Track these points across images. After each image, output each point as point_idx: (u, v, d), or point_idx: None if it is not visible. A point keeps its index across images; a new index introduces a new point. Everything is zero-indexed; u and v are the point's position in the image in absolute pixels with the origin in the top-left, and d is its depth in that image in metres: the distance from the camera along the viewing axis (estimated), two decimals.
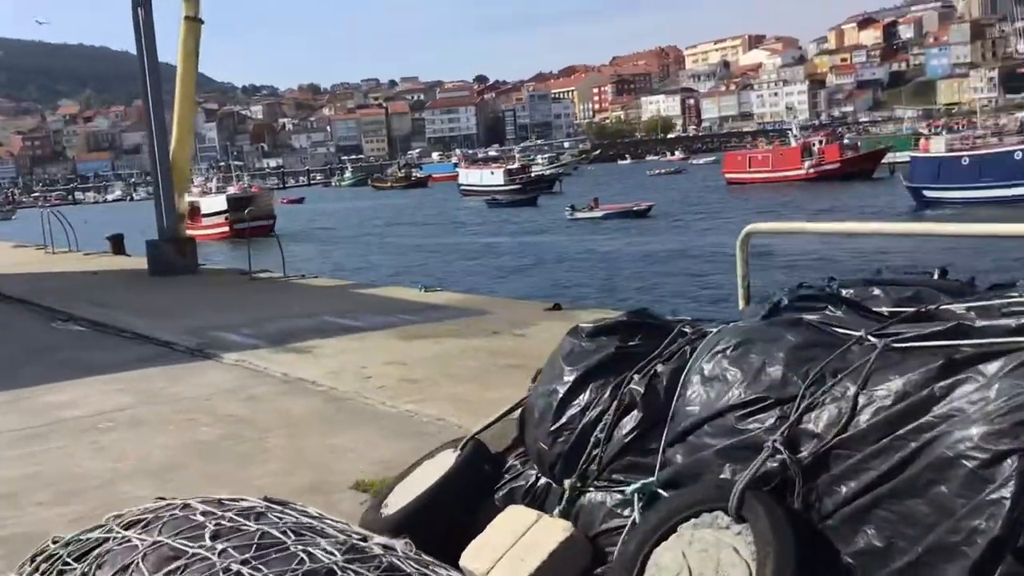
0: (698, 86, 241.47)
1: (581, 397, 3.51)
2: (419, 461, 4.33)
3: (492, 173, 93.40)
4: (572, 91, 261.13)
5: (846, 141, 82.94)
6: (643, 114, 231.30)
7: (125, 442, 6.25)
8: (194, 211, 47.14)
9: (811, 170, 72.92)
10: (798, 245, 28.94)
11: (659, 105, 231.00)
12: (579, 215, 55.51)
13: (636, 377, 3.39)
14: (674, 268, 31.89)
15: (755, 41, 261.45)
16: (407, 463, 5.44)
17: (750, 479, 2.77)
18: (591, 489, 3.40)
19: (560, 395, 3.55)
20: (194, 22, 17.11)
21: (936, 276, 3.95)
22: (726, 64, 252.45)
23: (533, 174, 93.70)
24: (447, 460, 4.06)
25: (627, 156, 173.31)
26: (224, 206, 53.30)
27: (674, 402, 3.24)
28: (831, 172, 72.03)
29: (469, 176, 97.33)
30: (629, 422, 3.33)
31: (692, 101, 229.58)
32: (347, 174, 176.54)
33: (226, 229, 49.89)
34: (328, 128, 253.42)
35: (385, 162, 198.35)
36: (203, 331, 10.47)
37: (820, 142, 76.78)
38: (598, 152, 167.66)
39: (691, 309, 23.20)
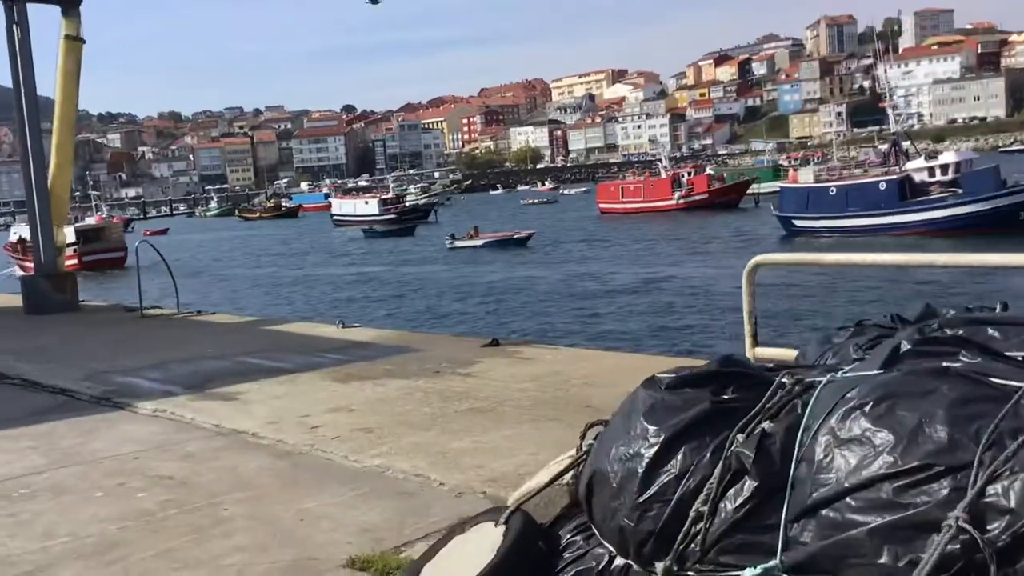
0: (565, 118, 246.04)
1: (673, 462, 3.03)
2: (448, 536, 3.75)
3: (366, 203, 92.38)
4: (442, 121, 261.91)
5: (709, 172, 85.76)
6: (512, 144, 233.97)
7: (49, 514, 5.39)
8: None
9: (681, 200, 74.99)
10: (770, 275, 29.48)
11: (528, 136, 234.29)
12: (459, 244, 55.21)
13: (740, 438, 2.95)
14: (563, 297, 31.85)
15: (618, 75, 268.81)
16: (397, 530, 4.86)
17: (932, 567, 2.36)
18: (691, 574, 2.92)
19: (647, 460, 3.06)
20: (75, 41, 15.90)
21: (999, 310, 3.71)
22: (591, 97, 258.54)
23: (408, 204, 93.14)
24: (489, 537, 3.50)
25: (499, 186, 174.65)
26: (72, 238, 50.66)
27: (792, 468, 2.81)
28: (700, 203, 74.24)
29: (343, 206, 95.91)
30: (739, 493, 2.87)
31: (559, 132, 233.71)
32: (212, 204, 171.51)
33: (75, 262, 47.70)
34: (191, 157, 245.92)
35: (252, 192, 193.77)
36: (105, 376, 9.48)
37: (689, 173, 79.15)
38: (470, 182, 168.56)
39: (587, 336, 23.11)
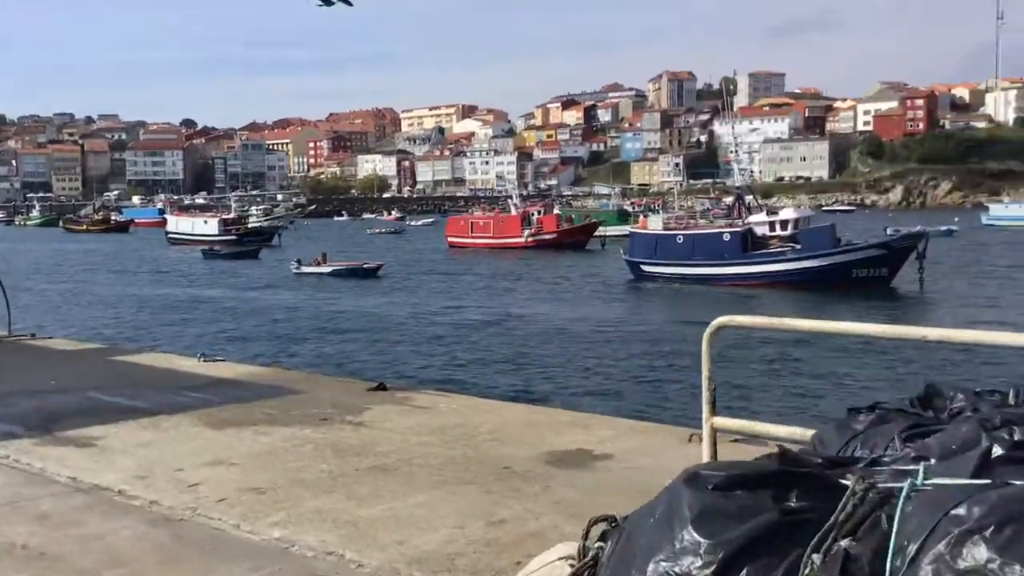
0: (414, 149, 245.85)
1: None
2: None
3: (206, 222, 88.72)
4: (287, 143, 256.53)
5: (557, 212, 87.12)
6: (359, 172, 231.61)
7: None
8: None
9: (530, 239, 75.61)
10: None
11: (375, 164, 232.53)
12: (306, 270, 53.64)
13: (817, 559, 2.46)
14: (413, 332, 31.12)
15: (468, 111, 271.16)
16: None
17: None
18: None
19: None
20: None
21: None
22: (441, 130, 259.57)
23: (251, 225, 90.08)
24: None
25: (344, 213, 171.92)
26: None
27: None
28: (549, 242, 75.07)
29: (180, 224, 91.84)
30: None
31: (408, 163, 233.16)
32: (34, 213, 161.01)
33: None
34: (14, 162, 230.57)
35: (79, 202, 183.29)
36: None
37: (538, 212, 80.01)
38: (314, 207, 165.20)
39: (442, 376, 22.48)
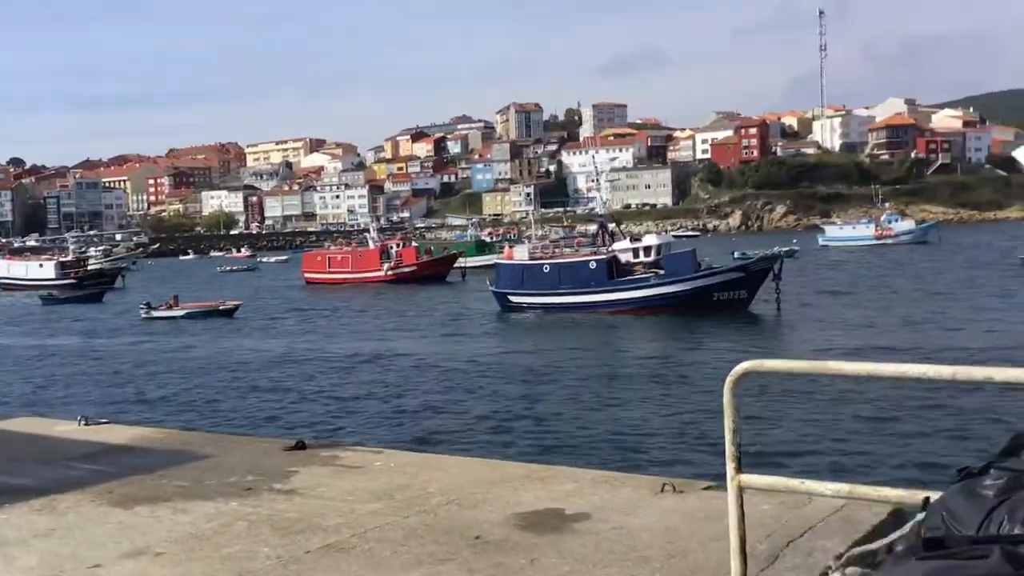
0: (261, 184, 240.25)
1: None
2: None
3: (41, 266, 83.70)
4: (125, 181, 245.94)
5: (415, 245, 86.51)
6: (204, 208, 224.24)
7: None
8: None
9: (390, 272, 74.70)
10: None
11: (221, 200, 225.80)
12: (156, 314, 51.04)
13: None
14: (288, 376, 29.83)
15: (316, 144, 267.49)
16: None
17: None
18: None
19: None
20: None
21: None
22: (289, 164, 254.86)
23: (91, 268, 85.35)
24: None
25: (190, 251, 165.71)
26: None
27: None
28: (409, 275, 74.41)
29: (12, 268, 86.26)
30: None
31: (255, 198, 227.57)
32: None
33: None
34: None
35: None
36: None
37: (397, 245, 79.19)
38: (157, 246, 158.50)
39: (336, 425, 21.47)
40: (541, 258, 46.17)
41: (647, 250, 43.52)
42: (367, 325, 44.90)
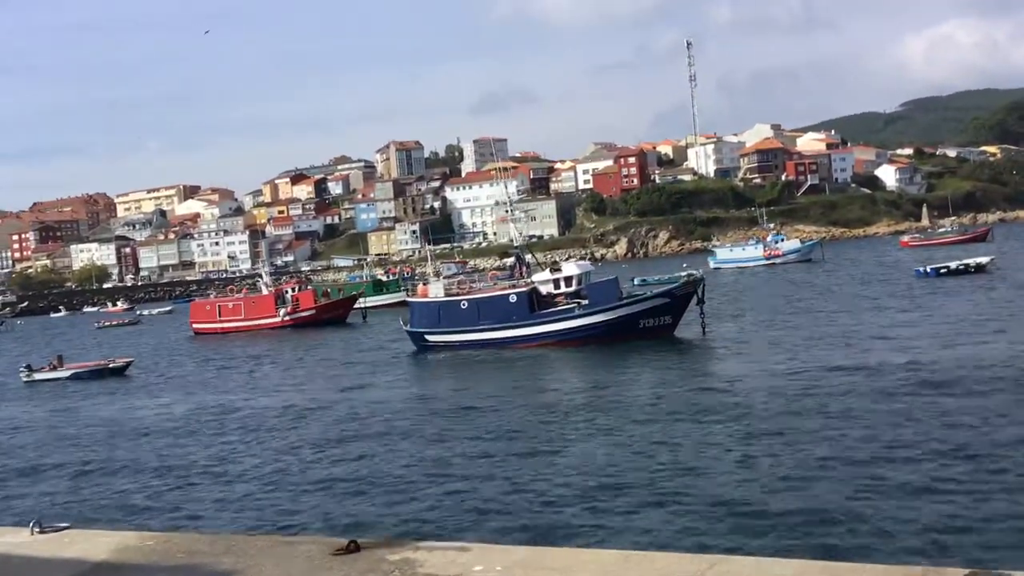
0: (133, 234, 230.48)
1: None
2: None
3: None
4: None
5: (311, 288, 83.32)
6: (74, 263, 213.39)
7: None
8: None
9: (288, 318, 71.55)
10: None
11: (92, 253, 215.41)
12: (39, 376, 47.00)
13: None
14: (207, 440, 27.16)
15: (190, 191, 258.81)
16: None
17: None
18: None
19: None
20: None
21: None
22: (162, 213, 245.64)
23: None
24: None
25: (61, 308, 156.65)
26: None
27: None
28: (307, 319, 71.43)
29: None
30: None
31: (129, 249, 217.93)
32: None
33: None
34: None
35: None
36: None
37: (293, 289, 76.02)
38: (26, 304, 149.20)
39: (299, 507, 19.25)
40: (458, 293, 44.28)
41: (568, 280, 42.15)
42: (275, 376, 42.12)
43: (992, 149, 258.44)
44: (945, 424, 20.11)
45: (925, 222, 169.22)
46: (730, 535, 13.63)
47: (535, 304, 41.82)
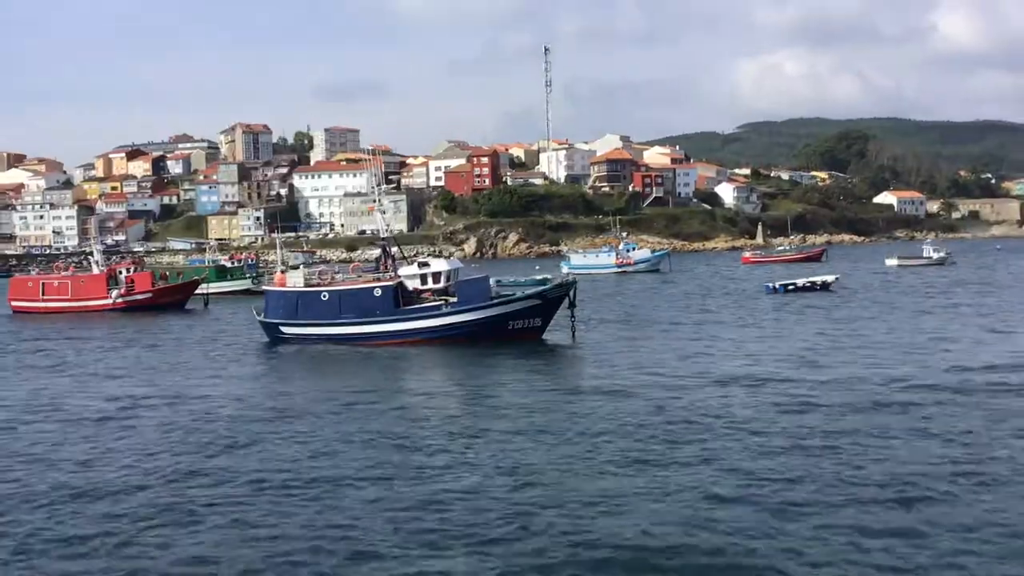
0: None
1: None
2: None
3: None
4: None
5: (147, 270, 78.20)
6: None
7: None
8: None
9: (120, 300, 66.66)
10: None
11: None
12: None
13: None
14: (50, 440, 24.01)
15: (15, 160, 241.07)
16: None
17: None
18: None
19: None
20: None
21: None
22: None
23: None
24: None
25: None
26: None
27: None
28: (142, 302, 66.79)
29: None
30: None
31: None
32: None
33: None
34: None
35: None
36: None
37: (128, 270, 70.86)
38: None
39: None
40: (319, 285, 41.73)
41: (436, 276, 40.34)
42: (105, 362, 38.36)
43: (821, 175, 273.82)
44: (799, 444, 19.70)
45: (760, 240, 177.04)
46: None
47: (400, 299, 39.86)
